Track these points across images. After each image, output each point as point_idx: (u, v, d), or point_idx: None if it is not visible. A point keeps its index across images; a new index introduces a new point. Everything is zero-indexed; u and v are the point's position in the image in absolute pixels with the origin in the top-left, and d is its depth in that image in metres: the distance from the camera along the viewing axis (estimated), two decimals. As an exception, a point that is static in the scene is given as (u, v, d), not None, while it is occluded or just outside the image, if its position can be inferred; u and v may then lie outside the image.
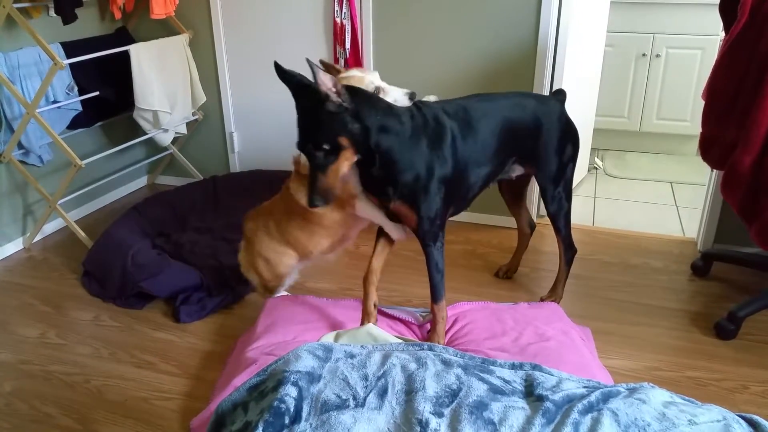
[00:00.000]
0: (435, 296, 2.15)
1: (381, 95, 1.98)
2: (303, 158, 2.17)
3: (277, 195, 2.43)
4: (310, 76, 1.77)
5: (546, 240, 3.05)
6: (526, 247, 2.83)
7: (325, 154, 1.80)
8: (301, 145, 1.84)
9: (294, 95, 1.82)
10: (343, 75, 2.06)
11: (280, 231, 2.37)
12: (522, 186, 2.62)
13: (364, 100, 1.86)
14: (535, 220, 2.82)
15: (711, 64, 2.33)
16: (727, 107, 2.26)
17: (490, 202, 3.26)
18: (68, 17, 3.05)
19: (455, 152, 2.06)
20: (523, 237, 2.81)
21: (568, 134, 2.39)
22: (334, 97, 1.75)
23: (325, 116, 1.77)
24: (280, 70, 1.81)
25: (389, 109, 1.93)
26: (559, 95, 2.49)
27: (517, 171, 2.41)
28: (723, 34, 2.36)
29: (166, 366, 2.30)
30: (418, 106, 2.03)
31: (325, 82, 1.73)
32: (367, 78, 2.00)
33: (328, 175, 1.82)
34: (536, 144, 2.31)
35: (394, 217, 2.11)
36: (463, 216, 3.36)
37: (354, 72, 2.04)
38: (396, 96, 1.99)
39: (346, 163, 1.85)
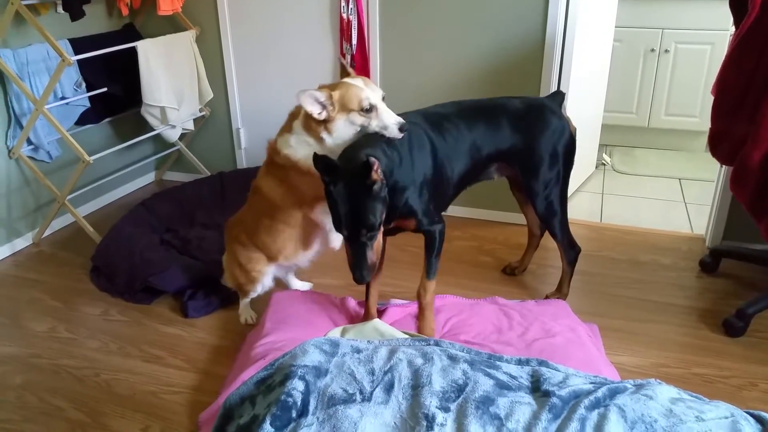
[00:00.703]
0: (429, 272, 2.17)
1: (373, 113, 2.00)
2: (282, 146, 2.20)
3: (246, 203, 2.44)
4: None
5: (553, 236, 3.05)
6: (536, 247, 2.81)
7: (376, 232, 1.85)
8: (352, 233, 1.84)
9: (331, 182, 1.81)
10: (346, 80, 2.08)
11: (249, 236, 2.37)
12: None
13: (388, 164, 1.91)
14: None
15: (720, 60, 2.31)
16: (737, 102, 2.25)
17: (496, 198, 3.26)
18: (76, 14, 3.07)
19: (435, 156, 2.10)
20: (533, 238, 2.79)
21: (558, 138, 2.31)
22: (380, 180, 1.79)
23: (374, 199, 1.80)
24: (321, 161, 1.78)
25: (395, 153, 1.97)
26: (556, 97, 2.44)
27: (497, 172, 2.40)
28: (733, 28, 2.34)
29: (174, 360, 2.31)
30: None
31: (375, 167, 1.76)
32: (365, 93, 2.01)
33: (373, 249, 1.86)
34: (517, 149, 2.27)
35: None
36: (470, 212, 3.37)
37: (357, 81, 2.06)
38: (387, 122, 2.00)
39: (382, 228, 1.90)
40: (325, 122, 2.03)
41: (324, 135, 2.06)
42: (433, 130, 2.14)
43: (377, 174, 1.77)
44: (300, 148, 2.13)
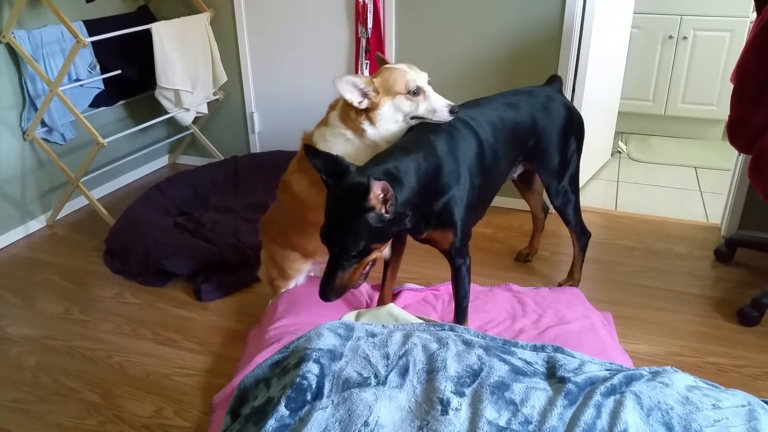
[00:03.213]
0: (461, 317, 2.05)
1: (420, 97, 1.88)
2: (318, 140, 2.02)
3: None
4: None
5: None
6: (542, 230, 2.82)
7: (353, 258, 1.65)
8: (328, 244, 1.65)
9: (326, 181, 1.64)
10: (387, 66, 1.96)
11: (283, 236, 2.27)
12: (531, 174, 2.54)
13: (412, 193, 1.69)
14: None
15: (739, 47, 2.28)
16: (758, 90, 2.21)
17: (510, 185, 3.23)
18: (91, -5, 3.07)
19: (482, 157, 1.94)
20: (538, 222, 2.79)
21: (569, 125, 2.27)
22: (379, 210, 1.57)
23: (362, 225, 1.58)
24: (312, 152, 1.63)
25: (437, 159, 1.79)
26: (555, 83, 2.38)
27: (519, 170, 2.35)
28: (753, 15, 2.31)
29: (187, 343, 2.32)
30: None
31: (377, 192, 1.54)
32: (410, 75, 1.89)
33: (349, 274, 1.67)
34: (535, 141, 2.20)
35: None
36: (484, 198, 3.35)
37: (400, 66, 1.94)
38: (437, 105, 1.88)
39: (375, 255, 1.70)
40: (368, 111, 1.89)
41: (366, 126, 1.91)
42: (479, 127, 1.98)
43: (378, 203, 1.56)
44: (336, 143, 1.95)
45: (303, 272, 2.36)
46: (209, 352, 2.26)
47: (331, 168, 1.62)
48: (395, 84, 1.88)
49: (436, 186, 1.79)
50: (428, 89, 1.91)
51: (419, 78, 1.90)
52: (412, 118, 1.92)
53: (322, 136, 2.01)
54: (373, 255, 1.68)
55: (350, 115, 1.93)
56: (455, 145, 1.87)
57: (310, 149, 1.63)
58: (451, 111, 1.87)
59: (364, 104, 1.88)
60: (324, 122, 2.04)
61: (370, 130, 1.91)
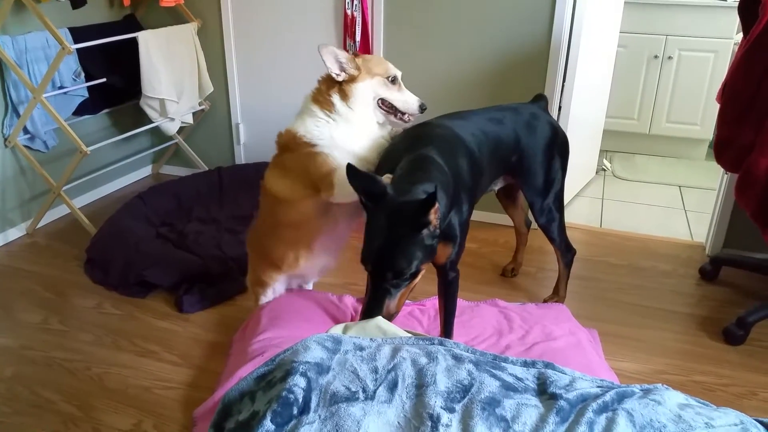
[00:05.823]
0: (449, 331, 2.02)
1: (397, 87, 1.98)
2: (291, 126, 2.05)
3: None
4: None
5: (553, 240, 3.03)
6: (525, 244, 2.82)
7: (405, 281, 1.61)
8: (377, 272, 1.60)
9: (369, 207, 1.60)
10: (365, 57, 2.03)
11: (261, 242, 2.26)
12: (515, 188, 2.54)
13: (447, 209, 1.70)
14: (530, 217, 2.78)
15: (724, 68, 2.30)
16: (744, 109, 2.23)
17: (494, 200, 3.23)
18: (77, 2, 3.04)
19: (473, 169, 1.94)
20: (521, 236, 2.79)
21: (554, 144, 2.27)
22: (434, 226, 1.55)
23: (416, 244, 1.56)
24: (353, 173, 1.57)
25: (450, 183, 1.77)
26: (540, 101, 2.39)
27: (499, 184, 2.36)
28: (738, 36, 2.33)
29: (168, 355, 2.28)
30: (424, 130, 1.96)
31: (435, 210, 1.52)
32: (390, 65, 2.01)
33: (395, 300, 1.63)
34: (518, 158, 2.20)
35: None
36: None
37: (378, 57, 2.08)
38: (409, 98, 2.00)
39: (420, 276, 1.67)
40: (342, 86, 1.96)
41: (335, 99, 1.96)
42: (469, 140, 1.99)
43: (435, 218, 1.53)
44: (308, 120, 2.00)
45: (279, 282, 2.33)
46: (190, 365, 2.22)
47: (369, 190, 1.59)
48: (376, 66, 1.98)
49: (455, 198, 1.79)
50: (402, 84, 2.03)
51: (397, 72, 2.02)
52: (383, 104, 2.00)
53: (301, 120, 2.05)
54: (420, 276, 1.66)
55: (323, 92, 2.00)
56: (453, 157, 1.87)
57: (352, 170, 1.58)
58: (421, 107, 2.00)
59: (341, 77, 1.96)
60: (300, 111, 2.09)
61: (340, 106, 1.97)
